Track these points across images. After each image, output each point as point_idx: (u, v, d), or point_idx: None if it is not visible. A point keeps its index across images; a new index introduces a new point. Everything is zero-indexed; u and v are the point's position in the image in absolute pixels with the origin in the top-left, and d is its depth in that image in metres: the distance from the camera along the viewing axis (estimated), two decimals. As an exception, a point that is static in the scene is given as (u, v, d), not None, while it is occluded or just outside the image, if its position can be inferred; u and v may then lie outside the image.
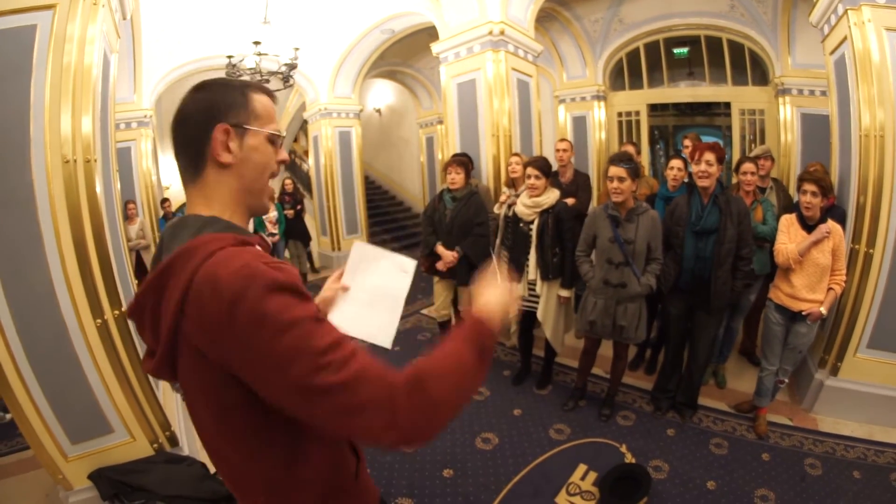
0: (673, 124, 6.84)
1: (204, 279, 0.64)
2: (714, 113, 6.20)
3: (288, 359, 0.62)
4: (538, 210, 3.01)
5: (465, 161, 3.61)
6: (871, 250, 2.67)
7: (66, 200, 1.90)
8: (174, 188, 7.51)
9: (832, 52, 2.96)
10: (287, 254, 6.45)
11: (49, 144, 1.85)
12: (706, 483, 2.42)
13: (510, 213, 3.25)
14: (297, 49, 4.44)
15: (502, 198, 3.73)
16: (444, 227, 3.47)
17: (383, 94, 10.17)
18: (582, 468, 2.55)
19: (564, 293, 3.07)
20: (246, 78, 4.41)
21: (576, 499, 2.35)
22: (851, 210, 2.80)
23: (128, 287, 2.47)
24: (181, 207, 7.24)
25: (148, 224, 5.19)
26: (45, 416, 2.04)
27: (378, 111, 10.49)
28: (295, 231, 6.39)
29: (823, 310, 2.56)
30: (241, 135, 0.77)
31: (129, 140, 5.40)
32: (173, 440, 2.38)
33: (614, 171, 2.60)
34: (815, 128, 4.88)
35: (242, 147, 0.78)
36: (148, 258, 4.86)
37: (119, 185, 2.85)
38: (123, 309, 2.14)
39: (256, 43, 4.11)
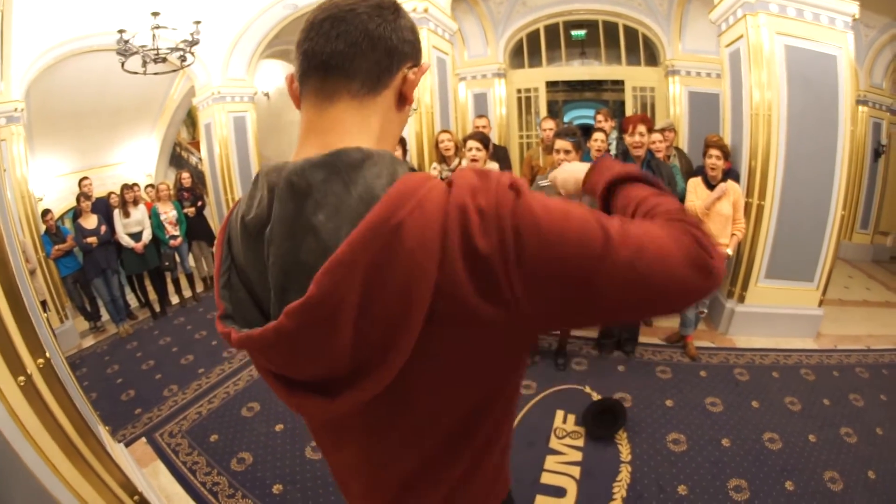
0: (563, 99, 7.44)
1: (458, 216, 0.50)
2: (602, 89, 6.92)
3: (587, 232, 0.52)
4: None
5: (402, 139, 3.61)
6: (762, 202, 3.35)
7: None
8: (48, 199, 6.08)
9: (728, 46, 3.52)
10: (191, 258, 5.75)
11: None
12: (665, 402, 2.88)
13: None
14: (198, 23, 3.90)
15: (433, 173, 3.81)
16: None
17: (272, 75, 9.38)
18: (560, 413, 2.83)
19: None
20: (137, 57, 3.77)
21: (566, 440, 2.62)
22: (744, 172, 3.45)
23: (40, 324, 1.82)
24: (62, 217, 5.94)
25: (30, 244, 4.06)
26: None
27: (266, 94, 9.66)
28: (198, 230, 5.68)
29: (729, 251, 3.16)
30: (415, 74, 0.68)
31: (-4, 140, 4.21)
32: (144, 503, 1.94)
33: (561, 144, 2.85)
34: (700, 104, 5.65)
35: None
36: (32, 285, 3.88)
37: (9, 193, 2.26)
38: (47, 355, 1.58)
39: (155, 14, 3.49)
